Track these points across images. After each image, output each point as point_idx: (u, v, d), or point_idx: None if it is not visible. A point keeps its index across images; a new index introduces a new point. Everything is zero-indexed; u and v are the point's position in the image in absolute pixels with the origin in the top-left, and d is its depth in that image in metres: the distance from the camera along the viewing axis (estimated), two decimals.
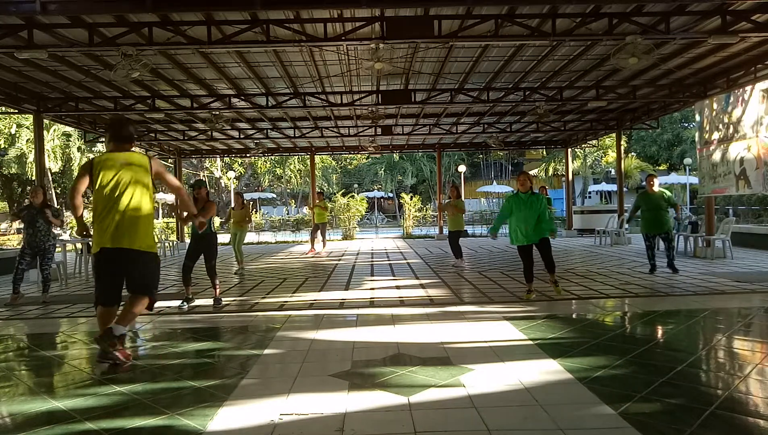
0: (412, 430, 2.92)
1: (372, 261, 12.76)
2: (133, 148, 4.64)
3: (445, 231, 22.58)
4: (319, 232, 14.73)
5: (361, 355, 4.47)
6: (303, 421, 3.12)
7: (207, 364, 4.44)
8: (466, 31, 8.23)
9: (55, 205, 8.29)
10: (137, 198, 4.29)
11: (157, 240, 16.14)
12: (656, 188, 8.90)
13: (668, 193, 9.10)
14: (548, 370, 3.91)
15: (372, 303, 7.05)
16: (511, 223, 6.94)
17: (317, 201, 15.03)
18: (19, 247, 8.79)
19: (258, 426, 3.06)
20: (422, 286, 8.44)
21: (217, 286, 7.17)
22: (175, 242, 17.83)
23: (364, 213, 26.28)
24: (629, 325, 5.68)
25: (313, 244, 14.88)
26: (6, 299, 7.90)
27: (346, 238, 22.37)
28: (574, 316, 6.21)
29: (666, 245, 8.95)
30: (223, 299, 7.34)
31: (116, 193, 4.23)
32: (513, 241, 7.00)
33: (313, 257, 14.00)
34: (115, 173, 4.28)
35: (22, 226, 8.35)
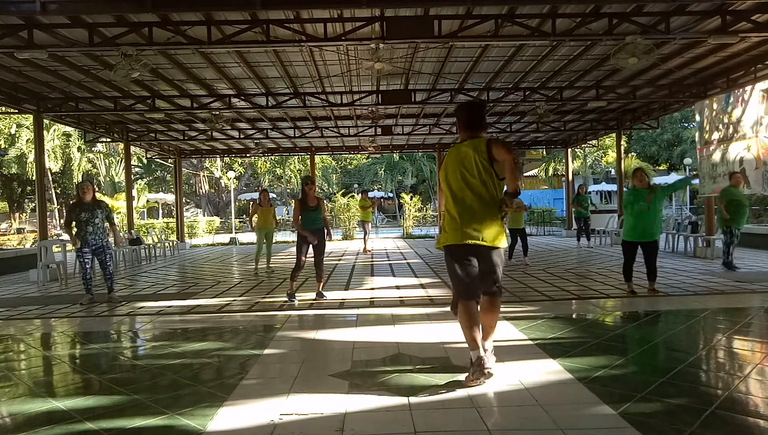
0: (412, 430, 2.92)
1: (372, 261, 12.75)
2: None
3: None
4: (365, 229, 15.53)
5: (361, 355, 4.47)
6: (303, 421, 3.12)
7: (207, 364, 4.44)
8: (466, 31, 8.23)
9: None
10: None
11: (157, 239, 16.31)
12: (752, 185, 9.00)
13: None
14: (548, 370, 3.91)
15: (372, 303, 7.05)
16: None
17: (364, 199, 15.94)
18: (20, 246, 8.72)
19: (258, 426, 3.06)
20: (422, 286, 8.44)
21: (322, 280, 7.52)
22: (175, 242, 17.82)
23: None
24: (629, 325, 5.67)
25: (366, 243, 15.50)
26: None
27: (346, 238, 22.37)
28: (574, 316, 6.21)
29: (737, 242, 9.07)
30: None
31: None
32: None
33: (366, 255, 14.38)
34: None
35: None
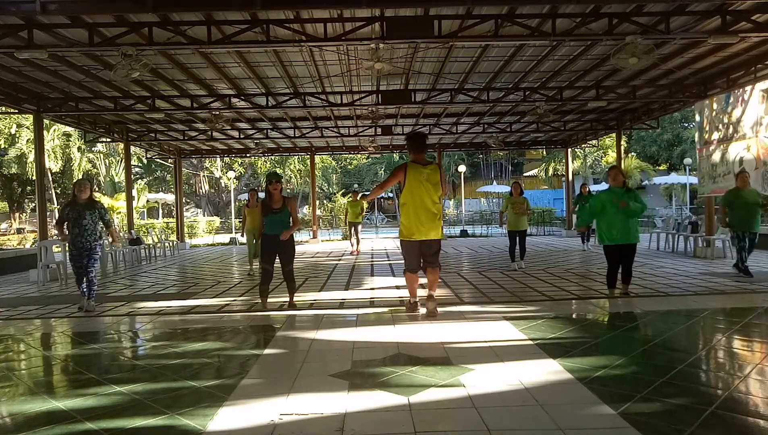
0: (412, 430, 2.92)
1: (372, 261, 12.75)
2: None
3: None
4: (353, 230, 15.04)
5: (361, 355, 4.47)
6: (303, 421, 3.12)
7: (207, 364, 4.44)
8: (466, 31, 8.22)
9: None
10: None
11: (157, 239, 16.31)
12: (751, 185, 8.66)
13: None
14: (548, 370, 3.91)
15: (372, 303, 7.05)
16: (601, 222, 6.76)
17: (354, 199, 15.51)
18: (20, 246, 8.65)
19: (258, 426, 3.06)
20: (422, 286, 8.41)
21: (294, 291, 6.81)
22: (175, 242, 17.82)
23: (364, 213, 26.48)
24: (629, 325, 5.67)
25: (354, 244, 15.16)
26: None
27: (345, 238, 22.35)
28: (574, 316, 6.21)
29: (748, 246, 8.63)
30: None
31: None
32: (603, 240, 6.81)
33: (353, 256, 14.11)
34: None
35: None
